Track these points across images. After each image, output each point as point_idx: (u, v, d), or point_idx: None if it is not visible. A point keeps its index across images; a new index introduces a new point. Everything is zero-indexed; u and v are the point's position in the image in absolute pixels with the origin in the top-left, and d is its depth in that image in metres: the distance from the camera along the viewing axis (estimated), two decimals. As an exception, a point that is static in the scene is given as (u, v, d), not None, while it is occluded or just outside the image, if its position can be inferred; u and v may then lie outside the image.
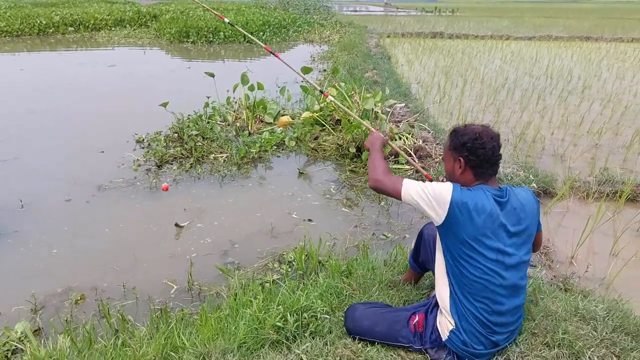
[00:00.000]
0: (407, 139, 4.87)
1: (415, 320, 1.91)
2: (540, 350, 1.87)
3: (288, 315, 2.01)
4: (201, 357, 1.81)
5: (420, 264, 2.31)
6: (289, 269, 2.91)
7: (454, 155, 1.84)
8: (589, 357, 1.83)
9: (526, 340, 1.94)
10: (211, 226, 3.49)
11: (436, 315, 1.90)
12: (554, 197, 3.82)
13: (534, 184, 3.92)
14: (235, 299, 2.25)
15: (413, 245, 2.37)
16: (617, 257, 3.04)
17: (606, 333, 1.95)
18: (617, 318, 2.03)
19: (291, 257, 2.97)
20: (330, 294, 2.32)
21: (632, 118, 6.39)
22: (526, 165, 4.39)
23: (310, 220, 3.62)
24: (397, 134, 4.93)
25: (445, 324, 1.84)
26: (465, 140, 1.79)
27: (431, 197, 1.76)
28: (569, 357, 1.85)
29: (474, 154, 1.78)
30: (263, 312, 2.06)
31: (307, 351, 1.86)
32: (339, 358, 1.85)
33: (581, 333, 1.95)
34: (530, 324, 2.02)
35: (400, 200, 1.86)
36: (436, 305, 1.92)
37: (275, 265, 2.98)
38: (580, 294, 2.33)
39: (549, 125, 6.00)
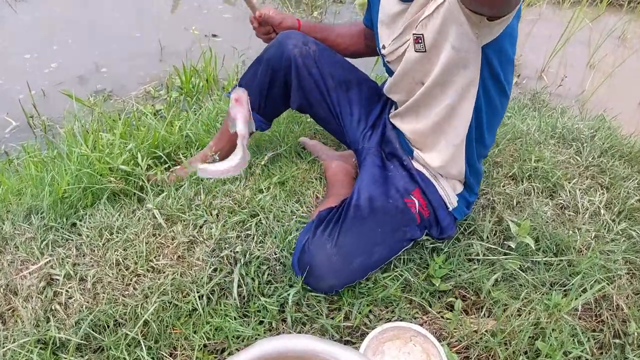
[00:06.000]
0: None
1: (417, 206, 1.18)
2: (503, 186, 1.33)
3: (139, 156, 1.32)
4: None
5: (269, 113, 1.37)
6: (180, 97, 2.17)
7: None
8: (569, 191, 1.31)
9: (485, 172, 1.37)
10: (79, 47, 2.56)
11: (434, 184, 1.20)
12: (523, 2, 3.07)
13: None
14: (72, 137, 1.51)
15: (259, 85, 1.28)
16: (595, 69, 2.46)
17: (593, 158, 1.41)
18: (606, 138, 1.49)
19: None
20: (221, 123, 1.63)
21: None
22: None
23: (215, 35, 2.73)
24: None
25: (451, 187, 1.20)
26: None
27: None
28: (541, 192, 1.32)
29: None
30: (106, 152, 1.35)
31: (163, 205, 1.22)
32: (216, 210, 1.24)
33: (560, 159, 1.40)
34: (492, 152, 1.45)
35: (505, 14, 0.91)
36: (418, 172, 1.20)
37: (159, 93, 2.21)
38: (559, 110, 1.76)
39: None
